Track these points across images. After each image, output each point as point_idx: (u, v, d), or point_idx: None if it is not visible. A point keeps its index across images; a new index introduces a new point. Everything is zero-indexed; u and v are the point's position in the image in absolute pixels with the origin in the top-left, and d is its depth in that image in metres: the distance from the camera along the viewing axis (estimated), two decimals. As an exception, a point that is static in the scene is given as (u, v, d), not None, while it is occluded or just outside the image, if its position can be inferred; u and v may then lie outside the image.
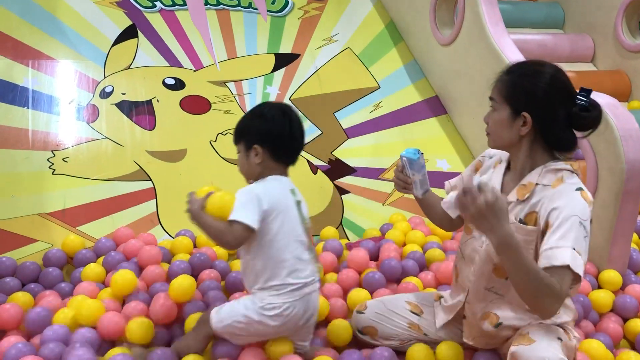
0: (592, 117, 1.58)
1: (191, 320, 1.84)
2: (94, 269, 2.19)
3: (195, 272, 2.21)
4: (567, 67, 3.48)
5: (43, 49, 3.09)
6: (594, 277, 2.34)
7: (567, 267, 1.45)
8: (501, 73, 1.66)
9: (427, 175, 1.81)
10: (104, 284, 2.15)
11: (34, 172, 2.64)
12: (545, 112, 1.58)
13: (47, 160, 2.69)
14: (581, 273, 1.47)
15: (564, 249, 1.47)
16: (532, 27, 3.80)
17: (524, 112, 1.58)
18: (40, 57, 3.06)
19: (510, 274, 1.48)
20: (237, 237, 1.63)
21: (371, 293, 2.14)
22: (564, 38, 3.75)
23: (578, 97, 1.58)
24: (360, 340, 1.92)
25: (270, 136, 1.71)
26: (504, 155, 1.73)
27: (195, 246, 2.47)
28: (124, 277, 2.01)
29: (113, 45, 3.23)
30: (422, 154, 1.73)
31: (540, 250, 1.51)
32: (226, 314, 1.70)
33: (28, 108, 2.86)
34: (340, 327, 1.91)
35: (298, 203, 1.75)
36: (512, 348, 1.52)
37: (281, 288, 1.67)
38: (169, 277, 2.12)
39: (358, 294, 2.10)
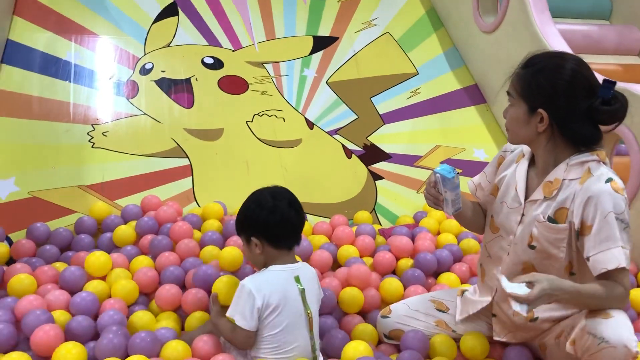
0: (613, 110, 1.51)
1: (192, 318, 1.86)
2: (125, 230, 2.24)
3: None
4: (612, 60, 3.43)
5: (85, 24, 3.13)
6: (633, 275, 2.28)
7: (622, 268, 1.45)
8: (518, 66, 1.59)
9: (461, 194, 1.64)
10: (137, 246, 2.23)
11: (74, 145, 2.69)
12: (564, 108, 1.52)
13: (87, 133, 2.73)
14: (629, 264, 1.47)
15: (612, 250, 1.45)
16: (578, 17, 3.69)
17: (540, 109, 1.53)
18: (83, 32, 3.10)
19: (573, 304, 1.52)
20: (243, 342, 1.63)
21: (405, 287, 2.12)
22: (611, 29, 3.64)
23: (601, 89, 1.51)
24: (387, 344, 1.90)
25: (265, 227, 1.66)
26: (527, 148, 1.68)
27: (225, 213, 2.50)
28: (98, 259, 2.02)
29: (154, 22, 3.25)
30: (458, 173, 1.59)
31: (588, 255, 1.49)
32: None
33: (70, 82, 2.91)
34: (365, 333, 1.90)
35: (302, 291, 1.65)
36: (587, 320, 1.47)
37: None
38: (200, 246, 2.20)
39: (390, 284, 2.09)
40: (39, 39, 3.00)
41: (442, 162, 1.77)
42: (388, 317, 1.88)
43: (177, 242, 2.19)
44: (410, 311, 1.86)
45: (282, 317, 1.60)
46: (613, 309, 1.47)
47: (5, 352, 1.62)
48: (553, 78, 1.52)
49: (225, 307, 1.67)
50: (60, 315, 1.79)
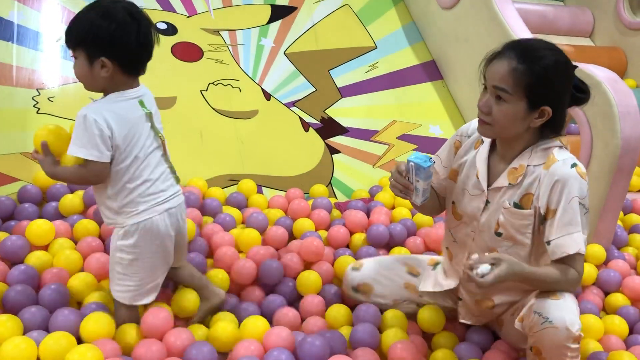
0: (588, 96, 1.56)
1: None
2: (71, 199, 2.16)
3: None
4: (565, 41, 3.50)
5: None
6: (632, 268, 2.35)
7: (580, 253, 1.49)
8: (510, 59, 1.47)
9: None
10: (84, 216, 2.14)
11: (17, 110, 2.55)
12: (565, 103, 1.54)
13: (32, 98, 2.60)
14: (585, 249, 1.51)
15: (573, 234, 1.48)
16: (535, -2, 3.74)
17: (544, 106, 1.49)
18: (25, -10, 2.93)
19: (528, 286, 1.55)
20: (97, 177, 1.51)
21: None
22: (565, 11, 3.71)
23: (577, 79, 1.54)
24: (352, 298, 1.90)
25: (122, 48, 1.46)
26: None
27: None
28: (41, 227, 1.95)
29: (104, -17, 3.09)
30: (434, 162, 1.55)
31: (549, 239, 1.51)
32: (116, 281, 1.62)
33: (12, 43, 2.74)
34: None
35: (149, 115, 1.57)
36: (536, 300, 1.50)
37: (141, 206, 1.56)
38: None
39: (346, 261, 2.07)
40: (-22, -4, 2.81)
41: (414, 150, 1.74)
42: (359, 270, 1.87)
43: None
44: (382, 268, 1.86)
45: (135, 145, 1.52)
46: (565, 291, 1.51)
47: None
48: (561, 75, 1.49)
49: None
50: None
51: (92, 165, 1.47)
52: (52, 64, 2.76)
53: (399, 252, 2.20)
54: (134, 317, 1.68)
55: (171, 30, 3.06)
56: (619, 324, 1.97)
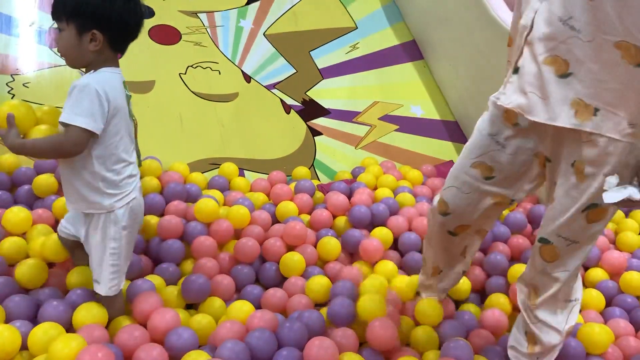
0: None
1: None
2: (46, 179, 2.13)
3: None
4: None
5: (1, -35, 2.88)
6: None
7: None
8: None
9: None
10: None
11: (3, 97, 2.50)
12: None
13: (6, 84, 2.55)
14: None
15: None
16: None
17: None
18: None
19: None
20: (77, 144, 1.40)
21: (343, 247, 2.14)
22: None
23: None
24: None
25: (117, 23, 1.44)
26: None
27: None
28: (17, 215, 1.92)
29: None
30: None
31: None
32: (108, 275, 1.58)
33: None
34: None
35: (129, 97, 1.56)
36: None
37: (128, 187, 1.55)
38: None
39: (328, 243, 2.09)
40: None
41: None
42: (449, 214, 1.62)
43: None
44: (463, 195, 1.58)
45: (121, 122, 1.49)
46: None
47: None
48: None
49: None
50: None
51: (78, 134, 1.39)
52: (27, 49, 2.71)
53: (380, 232, 2.20)
54: (122, 303, 1.68)
55: (148, 13, 3.01)
56: (596, 297, 2.01)
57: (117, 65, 1.53)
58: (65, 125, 1.40)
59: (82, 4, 1.41)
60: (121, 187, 1.53)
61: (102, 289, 1.59)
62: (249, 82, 2.96)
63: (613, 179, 1.27)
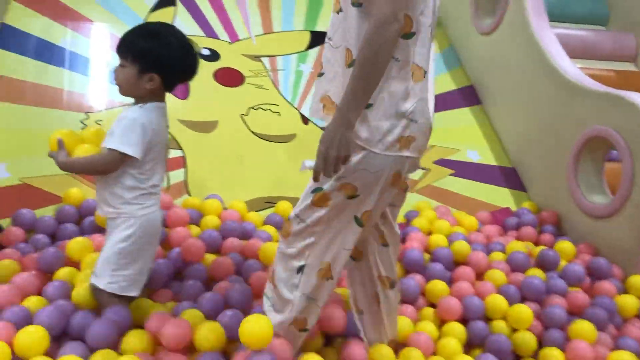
0: None
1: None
2: None
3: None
4: (607, 66, 3.45)
5: (81, 10, 3.11)
6: (620, 281, 2.31)
7: None
8: None
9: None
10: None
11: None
12: None
13: (81, 122, 2.71)
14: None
15: None
16: (575, 22, 3.71)
17: None
18: (79, 18, 3.08)
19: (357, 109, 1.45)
20: (110, 163, 1.62)
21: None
22: (607, 35, 3.66)
23: None
24: None
25: (174, 70, 1.67)
26: None
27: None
28: (80, 244, 2.01)
29: (151, 11, 3.23)
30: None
31: None
32: (109, 272, 1.68)
33: (64, 68, 2.88)
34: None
35: (167, 127, 1.75)
36: None
37: (150, 200, 1.72)
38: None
39: None
40: (34, 23, 2.97)
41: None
42: None
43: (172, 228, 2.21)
44: None
45: (158, 151, 1.69)
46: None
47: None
48: None
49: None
50: (36, 301, 1.77)
51: (113, 156, 1.61)
52: (100, 88, 2.88)
53: (433, 286, 2.13)
54: (123, 306, 1.73)
55: (214, 56, 3.16)
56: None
57: (164, 100, 1.72)
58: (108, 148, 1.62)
59: (148, 49, 1.63)
60: (144, 201, 1.70)
61: (100, 282, 1.69)
62: (306, 124, 3.03)
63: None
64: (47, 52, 2.88)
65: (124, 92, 1.68)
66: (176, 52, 1.66)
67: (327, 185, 1.48)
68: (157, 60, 1.63)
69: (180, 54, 1.67)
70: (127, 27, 3.05)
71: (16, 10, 2.98)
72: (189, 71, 1.72)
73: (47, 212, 2.31)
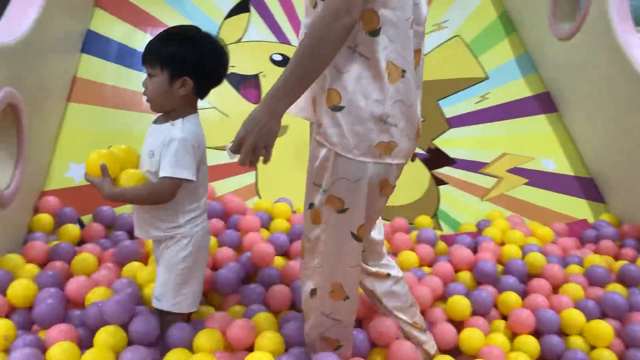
0: None
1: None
2: None
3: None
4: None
5: (161, 17, 3.22)
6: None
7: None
8: None
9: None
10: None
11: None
12: None
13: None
14: None
15: None
16: (662, 27, 3.52)
17: None
18: (158, 24, 3.19)
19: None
20: (174, 192, 1.54)
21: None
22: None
23: None
24: None
25: (206, 72, 1.56)
26: None
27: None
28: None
29: (226, 18, 3.31)
30: None
31: None
32: (174, 294, 1.65)
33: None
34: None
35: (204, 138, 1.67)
36: None
37: (202, 216, 1.67)
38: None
39: (460, 302, 1.99)
40: (117, 30, 3.10)
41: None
42: None
43: (245, 234, 2.25)
44: None
45: (205, 164, 1.63)
46: None
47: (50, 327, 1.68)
48: None
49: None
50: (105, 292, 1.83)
51: (175, 183, 1.52)
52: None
53: (506, 298, 2.06)
54: (186, 323, 1.74)
55: (286, 62, 3.20)
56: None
57: (196, 110, 1.62)
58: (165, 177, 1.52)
59: (178, 52, 1.53)
60: (197, 218, 1.64)
61: (165, 305, 1.65)
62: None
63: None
64: (128, 57, 3.01)
65: (156, 106, 1.59)
66: (206, 50, 1.56)
67: (317, 200, 1.41)
68: (188, 61, 1.53)
69: (210, 51, 1.57)
70: (203, 33, 3.19)
71: (100, 16, 3.13)
72: (221, 71, 1.62)
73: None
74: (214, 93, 2.90)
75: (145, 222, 1.63)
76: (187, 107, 1.59)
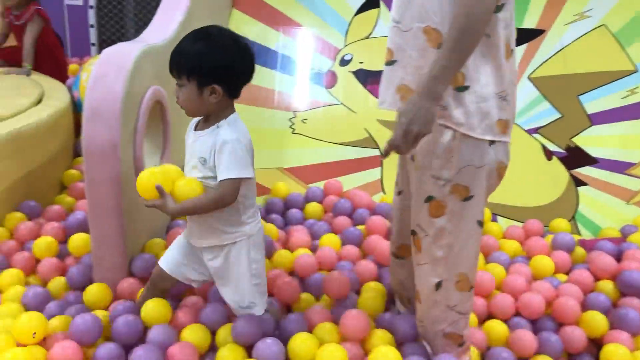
0: None
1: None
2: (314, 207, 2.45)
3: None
4: None
5: (292, 16, 3.32)
6: None
7: None
8: None
9: None
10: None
11: (276, 130, 2.87)
12: None
13: (288, 120, 2.90)
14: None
15: None
16: None
17: None
18: (290, 23, 3.29)
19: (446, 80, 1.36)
20: (235, 194, 1.51)
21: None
22: None
23: None
24: None
25: (232, 75, 1.50)
26: None
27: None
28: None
29: (356, 14, 3.33)
30: None
31: None
32: (252, 294, 1.64)
33: (276, 70, 3.11)
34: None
35: None
36: None
37: (255, 213, 1.64)
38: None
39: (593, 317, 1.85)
40: (252, 30, 3.24)
41: None
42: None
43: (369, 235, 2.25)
44: None
45: (253, 160, 1.61)
46: None
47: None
48: None
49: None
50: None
51: (235, 184, 1.50)
52: (306, 89, 3.06)
53: None
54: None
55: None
56: None
57: (234, 110, 1.58)
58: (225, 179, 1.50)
59: (200, 62, 1.47)
60: (255, 212, 1.63)
61: (257, 309, 1.65)
62: (509, 125, 2.89)
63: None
64: (262, 55, 3.13)
65: (191, 113, 1.57)
66: (229, 51, 1.50)
67: (438, 192, 1.40)
68: (213, 69, 1.48)
69: (233, 52, 1.50)
70: (333, 30, 3.24)
71: (237, 17, 3.28)
72: (248, 70, 1.55)
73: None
74: (341, 89, 2.99)
75: (207, 231, 1.61)
76: (225, 109, 1.55)
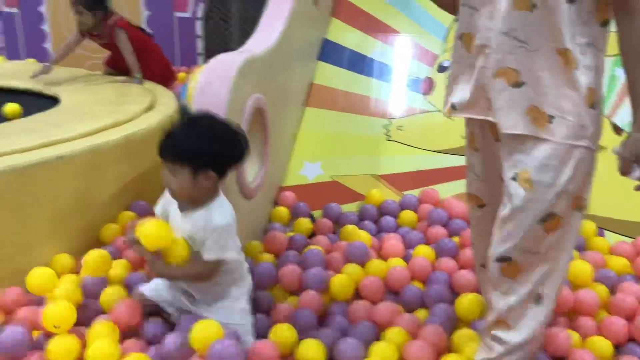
0: None
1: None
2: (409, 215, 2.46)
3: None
4: None
5: (390, 23, 3.33)
6: None
7: None
8: None
9: None
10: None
11: (371, 136, 2.89)
12: None
13: (383, 127, 2.91)
14: None
15: None
16: None
17: None
18: (387, 30, 3.30)
19: None
20: (216, 271, 1.61)
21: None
22: None
23: None
24: None
25: (226, 163, 1.60)
26: None
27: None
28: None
29: (455, 20, 3.28)
30: None
31: None
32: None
33: (372, 77, 3.13)
34: None
35: None
36: None
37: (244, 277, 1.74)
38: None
39: None
40: (349, 37, 3.29)
41: None
42: None
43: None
44: None
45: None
46: None
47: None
48: None
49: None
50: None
51: (217, 264, 1.60)
52: (402, 96, 3.05)
53: None
54: None
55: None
56: None
57: (219, 190, 1.63)
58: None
59: (195, 151, 1.52)
60: (245, 276, 1.74)
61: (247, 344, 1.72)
62: (619, 134, 2.72)
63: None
64: (359, 63, 3.17)
65: (180, 197, 1.60)
66: (222, 140, 1.57)
67: (559, 209, 1.33)
68: (207, 156, 1.54)
69: (226, 141, 1.58)
70: (431, 36, 3.21)
71: (335, 25, 3.34)
72: (240, 156, 1.63)
73: (351, 208, 2.54)
74: (439, 95, 2.95)
75: (204, 291, 1.69)
76: (212, 192, 1.61)
